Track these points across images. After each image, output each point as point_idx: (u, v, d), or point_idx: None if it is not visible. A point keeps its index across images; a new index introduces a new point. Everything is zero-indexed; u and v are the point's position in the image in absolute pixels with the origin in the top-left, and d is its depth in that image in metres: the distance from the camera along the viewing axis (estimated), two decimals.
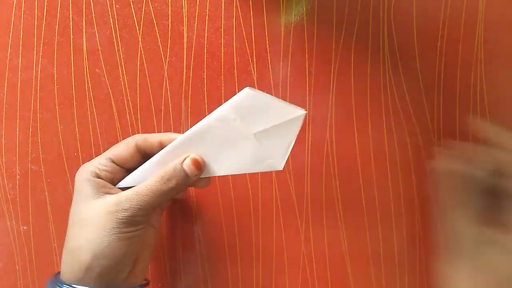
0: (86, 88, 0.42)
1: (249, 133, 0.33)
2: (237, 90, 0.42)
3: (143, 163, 0.34)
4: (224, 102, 0.32)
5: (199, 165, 0.33)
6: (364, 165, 0.42)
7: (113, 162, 0.34)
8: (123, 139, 0.42)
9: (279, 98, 0.33)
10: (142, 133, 0.42)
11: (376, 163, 0.42)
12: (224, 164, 0.34)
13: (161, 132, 0.42)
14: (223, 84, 0.42)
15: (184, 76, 0.42)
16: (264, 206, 0.43)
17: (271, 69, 0.42)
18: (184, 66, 0.42)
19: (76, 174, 0.34)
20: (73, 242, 0.32)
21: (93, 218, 0.31)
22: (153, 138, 0.34)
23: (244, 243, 0.43)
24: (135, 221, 0.31)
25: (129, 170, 0.35)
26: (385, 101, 0.42)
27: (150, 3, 0.42)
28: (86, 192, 0.32)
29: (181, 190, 0.33)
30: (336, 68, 0.42)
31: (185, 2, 0.41)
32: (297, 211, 0.43)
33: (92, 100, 0.43)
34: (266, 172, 0.42)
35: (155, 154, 0.34)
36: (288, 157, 0.33)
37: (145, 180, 0.33)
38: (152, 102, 0.42)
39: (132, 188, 0.32)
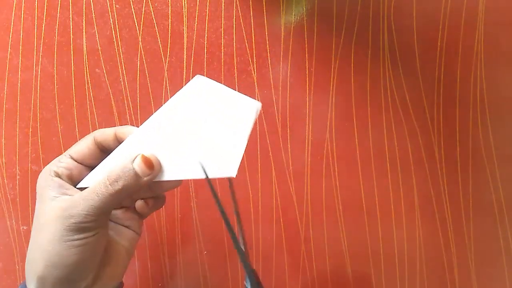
0: (86, 88, 0.42)
1: (199, 129, 0.30)
2: (237, 90, 0.42)
3: (103, 158, 0.32)
4: None
5: (151, 164, 0.30)
6: (364, 165, 0.42)
7: (72, 158, 0.32)
8: None
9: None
10: None
11: (376, 163, 0.42)
12: (178, 167, 0.30)
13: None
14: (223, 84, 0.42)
15: (184, 76, 0.42)
16: (264, 206, 0.43)
17: (271, 69, 0.42)
18: (184, 66, 0.42)
19: (39, 175, 0.32)
20: (29, 250, 0.30)
21: (45, 224, 0.29)
22: (109, 130, 0.32)
23: None
24: (85, 228, 0.29)
25: (91, 167, 0.32)
26: (385, 101, 0.42)
27: (150, 3, 0.42)
28: (44, 193, 0.30)
29: (131, 192, 0.30)
30: (336, 68, 0.42)
31: (185, 2, 0.41)
32: (297, 211, 0.43)
33: (92, 100, 0.43)
34: (266, 172, 0.42)
35: (112, 147, 0.32)
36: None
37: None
38: (152, 102, 0.42)
39: (81, 192, 0.30)
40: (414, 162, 0.42)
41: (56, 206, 0.29)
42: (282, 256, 0.43)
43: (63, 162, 0.31)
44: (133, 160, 0.30)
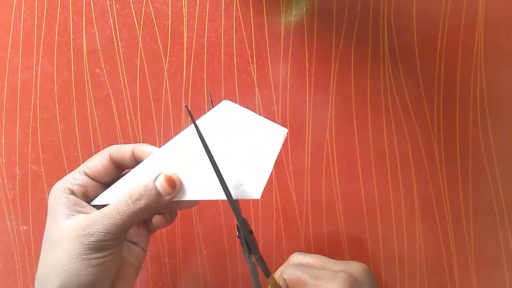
0: (86, 88, 0.42)
1: (225, 152, 0.30)
2: (237, 90, 0.42)
3: (118, 175, 0.32)
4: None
5: (173, 183, 0.30)
6: (364, 165, 0.42)
7: (87, 175, 0.31)
8: (123, 139, 0.42)
9: (260, 114, 0.30)
10: (141, 133, 0.43)
11: (376, 163, 0.42)
12: (199, 187, 0.30)
13: (160, 132, 0.42)
14: (223, 84, 0.42)
15: (184, 76, 0.42)
16: (264, 206, 0.43)
17: (271, 69, 0.42)
18: (184, 66, 0.42)
19: (50, 190, 0.31)
20: (42, 268, 0.29)
21: (60, 242, 0.28)
22: (126, 147, 0.32)
23: None
24: (103, 246, 0.28)
25: (105, 183, 0.32)
26: (385, 101, 0.42)
27: (150, 3, 0.42)
28: (57, 211, 0.29)
29: (152, 210, 0.30)
30: (336, 68, 0.42)
31: (185, 2, 0.41)
32: (297, 211, 0.43)
33: (92, 100, 0.43)
34: None
35: (128, 165, 0.32)
36: (274, 165, 0.30)
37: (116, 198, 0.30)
38: (152, 102, 0.42)
39: (101, 209, 0.29)
40: (414, 162, 0.42)
41: (74, 224, 0.29)
42: (282, 256, 0.43)
43: (78, 179, 0.31)
44: (155, 178, 0.30)
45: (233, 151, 0.30)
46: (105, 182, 0.32)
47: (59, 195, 0.30)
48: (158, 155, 0.31)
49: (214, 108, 0.31)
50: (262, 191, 0.30)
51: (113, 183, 0.32)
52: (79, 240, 0.28)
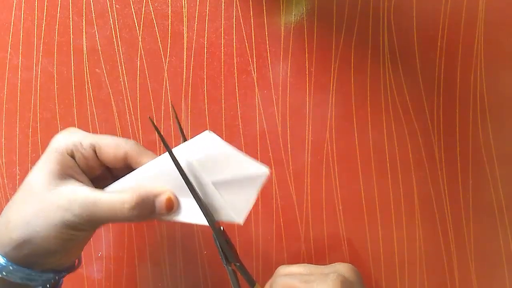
0: (86, 88, 0.42)
1: (207, 180, 0.30)
2: (237, 90, 0.42)
3: (124, 169, 0.32)
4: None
5: (171, 208, 0.30)
6: (364, 165, 0.42)
7: (95, 152, 0.31)
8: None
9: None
10: (141, 133, 0.42)
11: (376, 163, 0.42)
12: (182, 210, 0.31)
13: (160, 132, 0.42)
14: (223, 84, 0.42)
15: (184, 76, 0.42)
16: (264, 206, 0.43)
17: (271, 69, 0.42)
18: (184, 66, 0.42)
19: (56, 136, 0.31)
20: (13, 214, 0.29)
21: (42, 203, 0.28)
22: (146, 158, 0.31)
23: (244, 243, 0.43)
24: (80, 228, 0.29)
25: (106, 166, 0.32)
26: (385, 101, 0.42)
27: (150, 3, 0.42)
28: (51, 166, 0.29)
29: (139, 221, 0.30)
30: (336, 68, 0.42)
31: (185, 2, 0.41)
32: (297, 211, 0.43)
33: (92, 100, 0.43)
34: None
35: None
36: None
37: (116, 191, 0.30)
38: (152, 102, 0.42)
39: (96, 191, 0.29)
40: (414, 162, 0.42)
41: (61, 191, 0.28)
42: (282, 256, 0.43)
43: (85, 151, 0.30)
44: (157, 195, 0.30)
45: (217, 180, 0.30)
46: (107, 165, 0.32)
47: (62, 151, 0.30)
48: (161, 164, 0.31)
49: (196, 137, 0.31)
50: (245, 217, 0.31)
51: (113, 170, 0.32)
52: (61, 213, 0.28)
